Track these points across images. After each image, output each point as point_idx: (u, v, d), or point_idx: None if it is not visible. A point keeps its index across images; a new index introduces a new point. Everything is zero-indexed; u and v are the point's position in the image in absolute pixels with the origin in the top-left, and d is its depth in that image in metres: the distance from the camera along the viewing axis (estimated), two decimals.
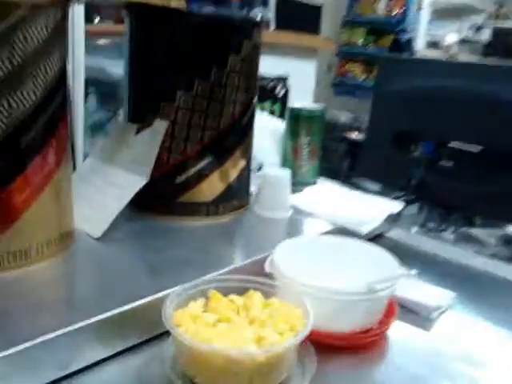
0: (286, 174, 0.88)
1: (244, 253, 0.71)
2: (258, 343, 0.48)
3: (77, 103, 1.35)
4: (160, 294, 0.57)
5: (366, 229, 0.85)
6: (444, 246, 0.93)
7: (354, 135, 2.04)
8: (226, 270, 0.65)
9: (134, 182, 0.77)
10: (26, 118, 0.60)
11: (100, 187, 0.80)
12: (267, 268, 0.63)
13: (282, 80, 1.85)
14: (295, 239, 0.69)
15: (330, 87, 3.89)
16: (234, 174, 0.84)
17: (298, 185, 1.01)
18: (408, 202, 1.16)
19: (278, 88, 1.75)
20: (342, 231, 0.84)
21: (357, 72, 3.80)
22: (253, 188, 0.92)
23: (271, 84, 1.76)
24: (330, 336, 0.57)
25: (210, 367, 0.47)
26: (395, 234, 0.95)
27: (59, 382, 0.51)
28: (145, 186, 0.83)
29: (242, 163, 0.85)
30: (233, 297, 0.57)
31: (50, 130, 0.63)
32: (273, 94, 1.70)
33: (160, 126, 0.78)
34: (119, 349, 0.56)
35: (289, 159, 1.02)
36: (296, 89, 1.87)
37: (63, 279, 0.64)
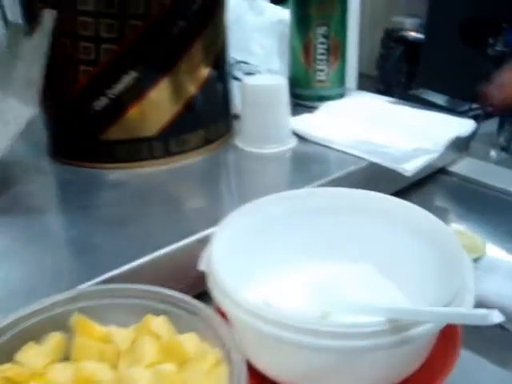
0: (279, 82, 0.55)
1: (186, 229, 0.40)
2: None
3: None
4: None
5: (413, 166, 0.52)
6: None
7: (413, 34, 1.60)
8: (127, 267, 0.35)
9: (19, 114, 0.47)
10: None
11: None
12: (202, 265, 0.33)
13: None
14: (263, 202, 0.37)
15: None
16: (192, 88, 0.52)
17: (314, 100, 0.68)
18: (484, 117, 0.82)
19: None
20: (375, 171, 0.52)
21: None
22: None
23: None
24: None
25: None
26: (464, 166, 0.62)
27: None
28: (53, 122, 0.53)
29: (206, 69, 0.53)
30: (113, 329, 0.27)
31: None
32: None
33: (47, 18, 0.46)
34: None
35: (298, 62, 0.68)
36: None
37: None
